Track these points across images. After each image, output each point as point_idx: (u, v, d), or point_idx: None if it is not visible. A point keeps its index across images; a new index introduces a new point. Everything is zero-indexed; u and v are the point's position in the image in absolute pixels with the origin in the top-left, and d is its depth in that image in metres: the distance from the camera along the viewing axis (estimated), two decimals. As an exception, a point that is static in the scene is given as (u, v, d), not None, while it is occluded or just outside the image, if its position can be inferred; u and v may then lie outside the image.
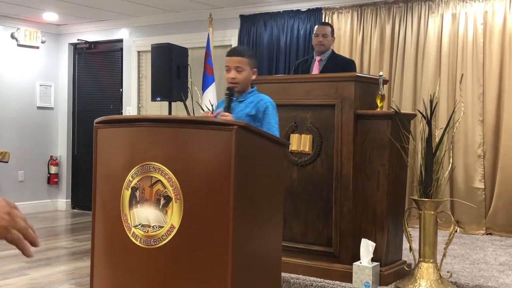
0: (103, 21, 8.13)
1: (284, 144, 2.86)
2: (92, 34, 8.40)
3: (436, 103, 3.74)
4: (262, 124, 3.12)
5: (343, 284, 3.70)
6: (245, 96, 3.25)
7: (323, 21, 6.46)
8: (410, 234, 3.75)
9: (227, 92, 3.17)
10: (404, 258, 4.07)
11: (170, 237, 2.34)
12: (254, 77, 3.26)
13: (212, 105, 5.30)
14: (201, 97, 6.58)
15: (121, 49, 8.19)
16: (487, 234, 5.65)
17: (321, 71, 4.90)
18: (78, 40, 8.48)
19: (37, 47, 8.36)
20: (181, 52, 6.66)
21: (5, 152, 4.49)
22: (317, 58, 5.00)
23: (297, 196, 3.95)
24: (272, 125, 3.14)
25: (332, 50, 5.16)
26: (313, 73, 4.95)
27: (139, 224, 2.40)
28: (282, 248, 2.85)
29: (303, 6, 6.67)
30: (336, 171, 3.81)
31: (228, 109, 3.12)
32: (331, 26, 5.13)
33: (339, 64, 4.91)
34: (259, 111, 3.15)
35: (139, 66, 8.03)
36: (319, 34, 4.99)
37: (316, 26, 5.16)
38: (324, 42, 4.98)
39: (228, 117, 3.01)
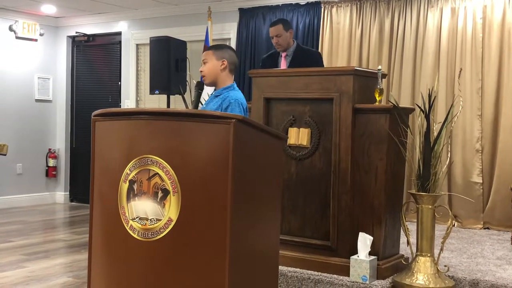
0: (101, 13, 8.11)
1: (282, 137, 2.86)
2: (91, 26, 8.39)
3: (435, 97, 3.74)
4: None
5: (341, 277, 3.71)
6: (221, 91, 3.39)
7: (322, 15, 6.48)
8: (407, 228, 3.76)
9: (195, 86, 3.38)
10: (401, 252, 4.08)
11: (167, 230, 2.34)
12: (223, 67, 3.39)
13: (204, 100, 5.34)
14: (202, 90, 6.56)
15: (120, 42, 8.18)
16: (485, 228, 5.66)
17: (289, 66, 4.97)
18: (76, 32, 8.47)
19: (36, 40, 8.35)
20: (180, 45, 6.64)
21: (3, 144, 4.48)
22: (283, 54, 5.09)
23: (295, 190, 3.96)
24: None
25: (297, 43, 5.21)
26: (281, 68, 5.04)
27: (136, 217, 2.40)
28: (280, 241, 2.86)
29: (302, 0, 6.65)
30: (334, 165, 3.81)
31: (196, 103, 3.27)
32: (282, 22, 5.13)
33: (305, 57, 4.98)
34: (222, 108, 3.26)
35: (137, 59, 8.02)
36: (273, 36, 5.06)
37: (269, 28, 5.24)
38: (280, 42, 5.07)
39: None
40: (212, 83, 3.42)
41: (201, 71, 3.43)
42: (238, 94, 3.38)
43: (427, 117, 3.64)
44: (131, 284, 2.44)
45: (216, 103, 3.33)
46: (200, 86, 3.41)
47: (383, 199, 3.75)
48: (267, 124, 4.01)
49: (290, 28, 5.15)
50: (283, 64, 5.08)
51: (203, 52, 3.52)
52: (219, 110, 3.25)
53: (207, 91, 6.41)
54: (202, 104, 5.13)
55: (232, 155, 2.31)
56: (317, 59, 5.04)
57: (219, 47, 3.49)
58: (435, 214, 3.65)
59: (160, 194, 2.37)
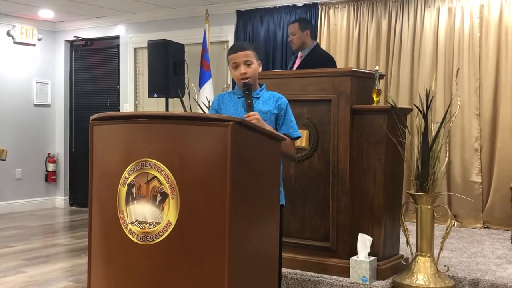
0: (99, 17, 8.12)
1: (281, 139, 2.86)
2: (88, 31, 8.39)
3: (432, 97, 3.74)
4: (283, 122, 3.12)
5: (341, 279, 3.71)
6: (258, 92, 3.20)
7: (319, 17, 6.51)
8: (407, 229, 3.76)
9: (246, 91, 3.08)
10: (401, 252, 4.08)
11: (166, 234, 2.34)
12: (260, 69, 3.22)
13: (208, 101, 5.31)
14: (198, 93, 6.58)
15: (118, 45, 8.18)
16: (485, 227, 5.66)
17: (298, 67, 4.97)
18: (74, 37, 8.47)
19: (34, 45, 8.35)
20: (178, 48, 6.65)
21: (2, 150, 4.48)
22: (299, 54, 5.09)
23: (294, 192, 3.96)
24: (294, 123, 3.15)
25: (316, 46, 5.19)
26: (294, 69, 5.04)
27: (135, 221, 2.40)
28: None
29: (299, 2, 6.67)
30: (333, 166, 3.82)
31: (251, 105, 3.06)
32: (299, 21, 5.17)
33: (314, 61, 4.94)
34: (281, 109, 3.13)
35: (135, 63, 8.02)
36: (289, 34, 5.09)
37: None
38: (293, 41, 5.09)
39: (256, 115, 2.95)
40: (254, 87, 3.17)
41: (245, 73, 3.11)
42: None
43: (425, 117, 3.64)
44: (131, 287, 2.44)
45: (266, 104, 3.15)
46: (249, 87, 3.10)
47: (382, 200, 3.75)
48: (266, 126, 4.01)
49: (307, 28, 5.13)
50: (296, 64, 5.11)
51: (232, 54, 3.15)
52: (276, 110, 3.12)
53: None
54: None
55: (230, 158, 2.31)
56: (325, 64, 4.90)
57: (257, 47, 3.28)
58: (435, 214, 3.65)
59: (158, 198, 2.37)
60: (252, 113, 2.99)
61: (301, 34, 5.05)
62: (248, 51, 3.14)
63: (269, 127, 2.95)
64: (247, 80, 3.12)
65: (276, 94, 3.21)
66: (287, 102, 3.19)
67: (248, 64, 3.12)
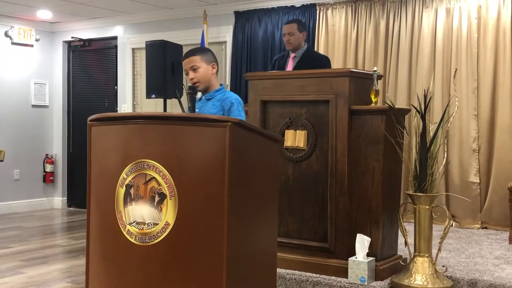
0: (97, 18, 8.11)
1: (279, 140, 2.86)
2: (86, 31, 8.39)
3: (430, 98, 3.75)
4: None
5: (339, 279, 3.71)
6: (213, 94, 3.31)
7: (317, 17, 6.50)
8: (405, 229, 3.76)
9: (189, 91, 3.21)
10: (399, 253, 4.09)
11: (165, 234, 2.34)
12: (214, 70, 3.34)
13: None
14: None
15: (116, 46, 8.18)
16: (483, 228, 5.67)
17: (294, 68, 4.97)
18: (72, 37, 8.47)
19: (31, 45, 8.35)
20: (176, 49, 6.63)
21: (0, 150, 4.48)
22: (292, 55, 5.10)
23: (292, 192, 3.96)
24: None
25: (308, 46, 5.21)
26: (287, 69, 5.03)
27: (134, 222, 2.40)
28: (278, 244, 2.86)
29: (298, 2, 6.67)
30: (331, 166, 3.82)
31: (192, 108, 3.16)
32: (298, 22, 5.18)
33: (312, 61, 4.95)
34: (224, 110, 3.22)
35: (133, 63, 8.02)
36: (286, 34, 5.08)
37: (283, 26, 5.26)
38: (291, 41, 5.08)
39: None
40: (206, 88, 3.33)
41: (192, 79, 3.29)
42: (234, 94, 3.37)
43: (423, 117, 3.64)
44: (129, 288, 2.44)
45: (214, 106, 3.27)
46: (194, 91, 3.25)
47: (380, 200, 3.76)
48: (264, 127, 4.01)
49: (304, 30, 5.18)
50: (290, 65, 5.10)
51: (182, 62, 3.34)
52: (221, 112, 3.20)
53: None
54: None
55: (228, 158, 2.31)
56: (324, 64, 4.96)
57: (204, 51, 3.40)
58: (433, 214, 3.66)
59: (157, 198, 2.37)
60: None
61: (299, 35, 5.07)
62: (192, 57, 3.29)
63: None
64: (196, 85, 3.27)
65: (225, 94, 3.29)
66: (234, 101, 3.25)
67: (194, 69, 3.28)
